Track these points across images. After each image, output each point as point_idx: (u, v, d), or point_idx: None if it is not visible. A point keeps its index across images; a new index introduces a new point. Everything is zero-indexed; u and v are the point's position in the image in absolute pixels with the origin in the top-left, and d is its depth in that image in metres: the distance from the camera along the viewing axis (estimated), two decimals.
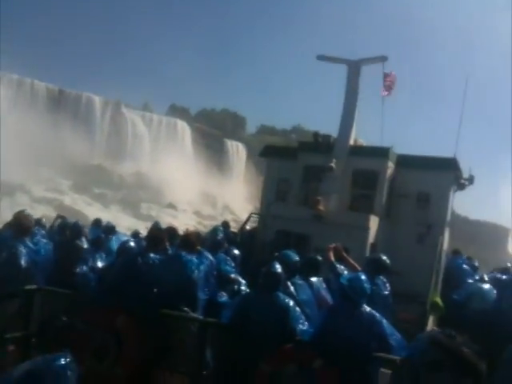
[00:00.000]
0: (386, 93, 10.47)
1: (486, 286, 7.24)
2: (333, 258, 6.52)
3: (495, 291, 6.92)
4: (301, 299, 5.80)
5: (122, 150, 68.73)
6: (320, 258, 6.61)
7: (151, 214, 62.13)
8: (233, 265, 7.04)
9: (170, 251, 6.54)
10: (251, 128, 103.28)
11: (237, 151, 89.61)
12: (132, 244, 7.06)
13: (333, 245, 6.70)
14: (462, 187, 10.02)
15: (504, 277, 8.00)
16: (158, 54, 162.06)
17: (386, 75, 10.44)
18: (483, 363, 1.86)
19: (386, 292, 6.03)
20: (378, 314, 4.88)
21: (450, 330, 1.95)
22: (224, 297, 6.35)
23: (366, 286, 4.93)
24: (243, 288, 6.51)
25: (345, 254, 6.62)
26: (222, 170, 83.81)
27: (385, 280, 6.18)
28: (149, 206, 66.52)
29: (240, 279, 6.70)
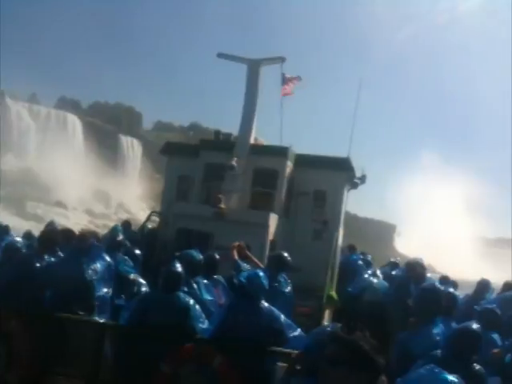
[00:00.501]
0: (286, 93, 10.73)
1: (378, 280, 7.75)
2: (236, 257, 6.57)
3: (386, 284, 7.42)
4: (204, 298, 5.79)
5: (5, 144, 63.61)
6: (218, 257, 6.63)
7: (37, 213, 58.56)
8: (132, 265, 6.83)
9: (62, 253, 6.20)
10: (147, 124, 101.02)
11: (132, 147, 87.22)
12: (20, 244, 6.61)
13: (236, 243, 6.74)
14: (355, 186, 10.57)
15: (393, 272, 8.59)
16: (48, 42, 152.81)
17: (284, 76, 10.68)
18: (381, 358, 1.95)
19: (289, 288, 6.19)
20: (276, 310, 5.02)
21: (349, 324, 2.02)
22: (121, 299, 6.18)
23: (264, 282, 5.02)
24: (143, 289, 6.35)
25: (248, 253, 6.70)
26: (116, 166, 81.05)
27: (286, 277, 6.35)
28: (35, 205, 62.55)
29: (140, 280, 6.52)
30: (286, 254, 6.48)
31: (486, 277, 7.28)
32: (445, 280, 8.03)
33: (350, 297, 8.24)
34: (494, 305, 5.32)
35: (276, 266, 6.29)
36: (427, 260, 10.01)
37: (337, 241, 9.54)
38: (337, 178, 9.85)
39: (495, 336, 4.62)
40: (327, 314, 8.57)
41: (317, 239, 9.44)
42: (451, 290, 5.94)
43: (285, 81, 10.65)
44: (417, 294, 4.90)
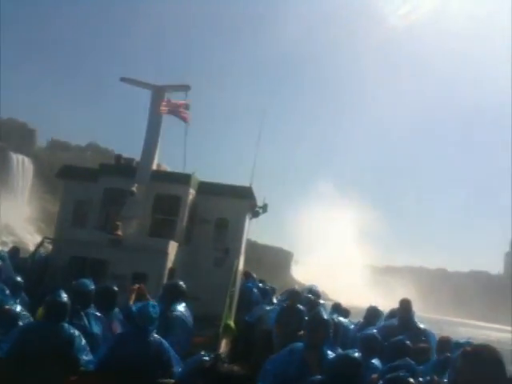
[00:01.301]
0: (185, 120, 10.66)
1: (272, 308, 7.87)
2: (132, 301, 6.28)
3: None
4: (93, 331, 5.53)
5: None
6: (116, 288, 6.36)
7: None
8: (9, 293, 6.26)
9: None
10: (41, 142, 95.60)
11: (22, 166, 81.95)
12: None
13: (136, 286, 6.54)
14: (256, 215, 10.80)
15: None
16: None
17: (179, 104, 10.54)
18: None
19: (187, 317, 6.09)
20: (165, 343, 4.99)
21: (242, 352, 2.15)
22: None
23: (153, 312, 4.97)
24: (22, 320, 5.83)
25: (148, 296, 6.42)
26: (5, 185, 75.41)
27: (185, 306, 6.25)
28: None
29: (17, 310, 5.98)
30: (181, 283, 6.39)
31: (375, 304, 7.66)
32: (337, 307, 8.34)
33: (246, 325, 8.29)
34: (375, 330, 5.52)
35: (171, 294, 6.18)
36: (322, 287, 10.41)
37: (237, 268, 9.62)
38: (239, 206, 10.00)
39: (376, 361, 4.82)
40: (224, 343, 8.55)
41: (217, 267, 9.46)
42: (335, 316, 6.18)
43: (179, 109, 10.48)
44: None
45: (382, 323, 6.61)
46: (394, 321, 5.82)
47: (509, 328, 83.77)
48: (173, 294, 6.20)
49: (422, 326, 5.59)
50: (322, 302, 7.18)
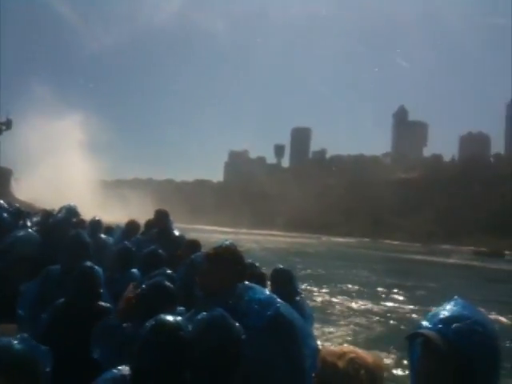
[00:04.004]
0: None
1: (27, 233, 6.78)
2: None
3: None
4: None
5: None
6: None
7: None
8: None
9: None
10: None
11: None
12: None
13: None
14: None
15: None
16: None
17: None
18: None
19: None
20: None
21: None
22: None
23: None
24: None
25: None
26: None
27: None
28: None
29: None
30: None
31: (110, 217, 7.42)
32: (96, 225, 7.72)
33: None
34: (126, 242, 5.37)
35: None
36: (51, 204, 9.67)
37: None
38: None
39: (135, 271, 4.83)
40: None
41: None
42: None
43: None
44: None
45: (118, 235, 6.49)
46: (152, 232, 5.90)
47: (230, 230, 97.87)
48: None
49: (176, 233, 5.79)
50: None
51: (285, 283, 4.45)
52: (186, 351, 2.08)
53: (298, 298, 4.44)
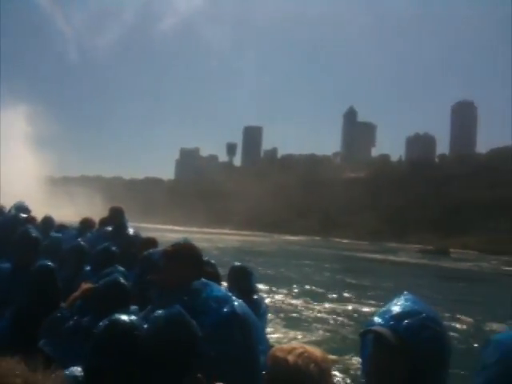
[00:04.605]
0: None
1: None
2: None
3: None
4: None
5: None
6: None
7: None
8: None
9: None
10: None
11: None
12: None
13: None
14: None
15: None
16: None
17: None
18: None
19: None
20: None
21: None
22: None
23: None
24: None
25: None
26: None
27: None
28: None
29: None
30: None
31: (57, 215, 7.23)
32: (48, 221, 7.50)
33: None
34: (79, 239, 5.32)
35: None
36: None
37: None
38: None
39: (89, 269, 4.74)
40: None
41: None
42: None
43: None
44: None
45: (72, 232, 6.39)
46: (107, 229, 5.79)
47: (182, 228, 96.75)
48: None
49: (131, 231, 5.71)
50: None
51: (242, 280, 4.50)
52: (141, 351, 2.04)
53: (255, 296, 4.49)
